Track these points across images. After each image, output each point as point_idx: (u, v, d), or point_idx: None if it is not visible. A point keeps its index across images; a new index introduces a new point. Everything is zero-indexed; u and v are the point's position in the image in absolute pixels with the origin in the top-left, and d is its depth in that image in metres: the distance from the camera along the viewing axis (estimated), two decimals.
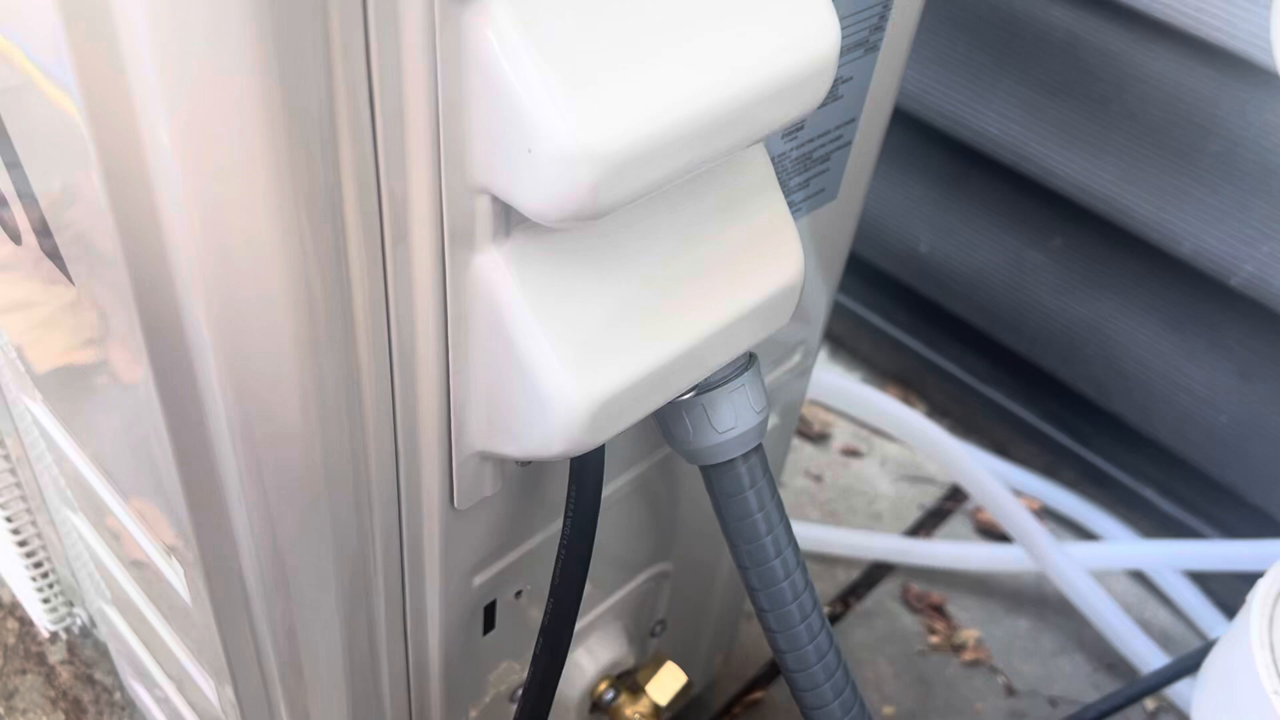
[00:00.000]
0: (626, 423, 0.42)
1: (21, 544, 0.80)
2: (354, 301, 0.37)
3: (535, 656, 0.50)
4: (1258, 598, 0.53)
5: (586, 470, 0.46)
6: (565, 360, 0.39)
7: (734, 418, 0.47)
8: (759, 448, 0.50)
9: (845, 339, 1.32)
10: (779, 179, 0.51)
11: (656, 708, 0.67)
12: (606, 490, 0.57)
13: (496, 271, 0.38)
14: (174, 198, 0.33)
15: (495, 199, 0.36)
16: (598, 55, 0.34)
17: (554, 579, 0.48)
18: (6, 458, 0.72)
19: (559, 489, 0.51)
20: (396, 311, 0.38)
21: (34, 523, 0.78)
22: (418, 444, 0.43)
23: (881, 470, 1.20)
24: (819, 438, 1.22)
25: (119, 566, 0.66)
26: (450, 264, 0.38)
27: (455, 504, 0.46)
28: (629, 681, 0.69)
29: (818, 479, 1.18)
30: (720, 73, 0.36)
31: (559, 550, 0.48)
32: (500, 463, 0.47)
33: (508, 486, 0.49)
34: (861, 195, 0.59)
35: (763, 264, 0.45)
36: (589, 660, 0.67)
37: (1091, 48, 0.92)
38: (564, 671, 0.66)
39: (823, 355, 1.31)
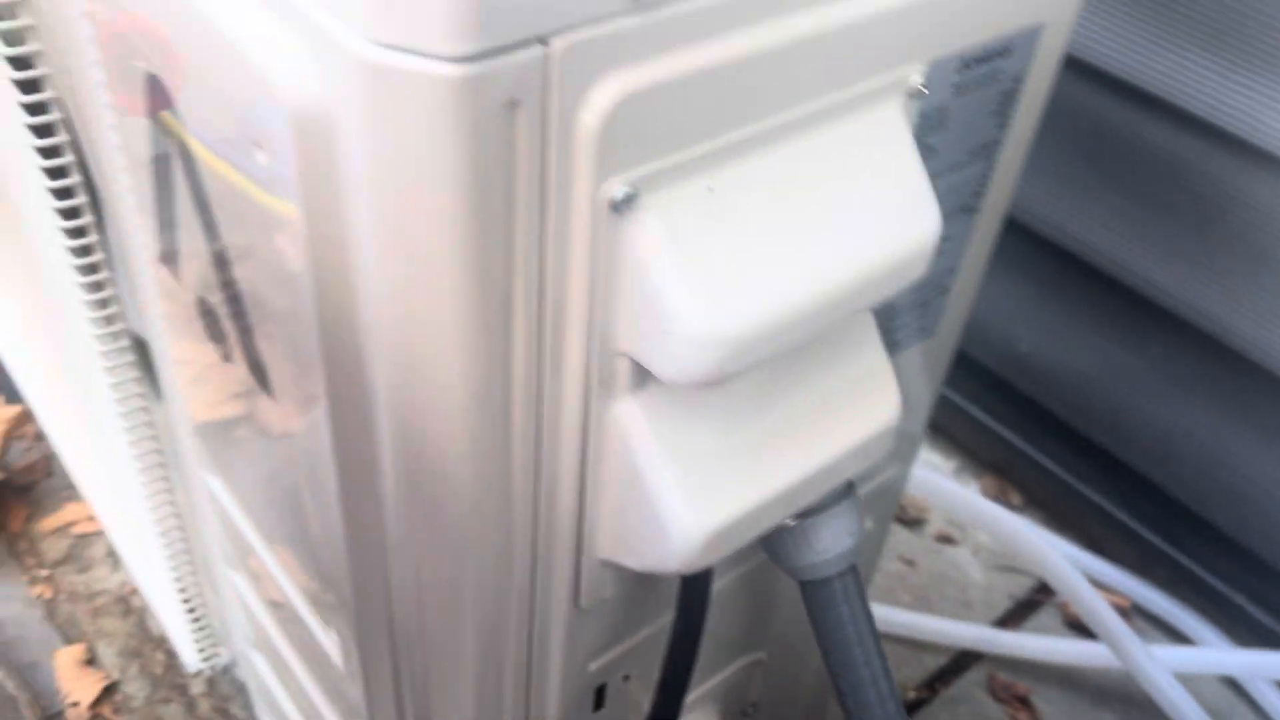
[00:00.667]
0: (735, 547, 0.48)
1: (180, 591, 0.89)
2: (513, 429, 0.43)
3: None
4: None
5: (696, 581, 0.52)
6: (685, 495, 0.45)
7: (831, 541, 0.53)
8: (854, 569, 0.55)
9: (945, 426, 1.36)
10: (881, 323, 0.57)
11: None
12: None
13: (631, 417, 0.45)
14: (380, 345, 0.40)
15: (634, 361, 0.43)
16: (728, 257, 0.40)
17: (662, 673, 0.54)
18: (178, 519, 0.81)
19: (669, 588, 0.57)
20: (549, 439, 0.45)
21: (194, 573, 0.87)
22: (554, 549, 0.50)
23: (974, 558, 1.23)
24: (914, 523, 1.26)
25: (271, 620, 0.74)
26: (594, 407, 0.44)
27: (580, 603, 0.53)
28: None
29: (911, 564, 1.22)
30: (830, 269, 0.42)
31: (667, 648, 0.54)
32: (619, 569, 0.53)
33: (624, 587, 0.55)
34: (959, 329, 0.65)
35: (861, 409, 0.51)
36: None
37: (1195, 169, 0.96)
38: None
39: (922, 443, 1.35)
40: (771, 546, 0.54)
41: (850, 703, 0.57)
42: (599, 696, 0.63)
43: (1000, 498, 1.28)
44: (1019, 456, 1.26)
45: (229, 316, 0.49)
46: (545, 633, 0.54)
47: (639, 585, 0.56)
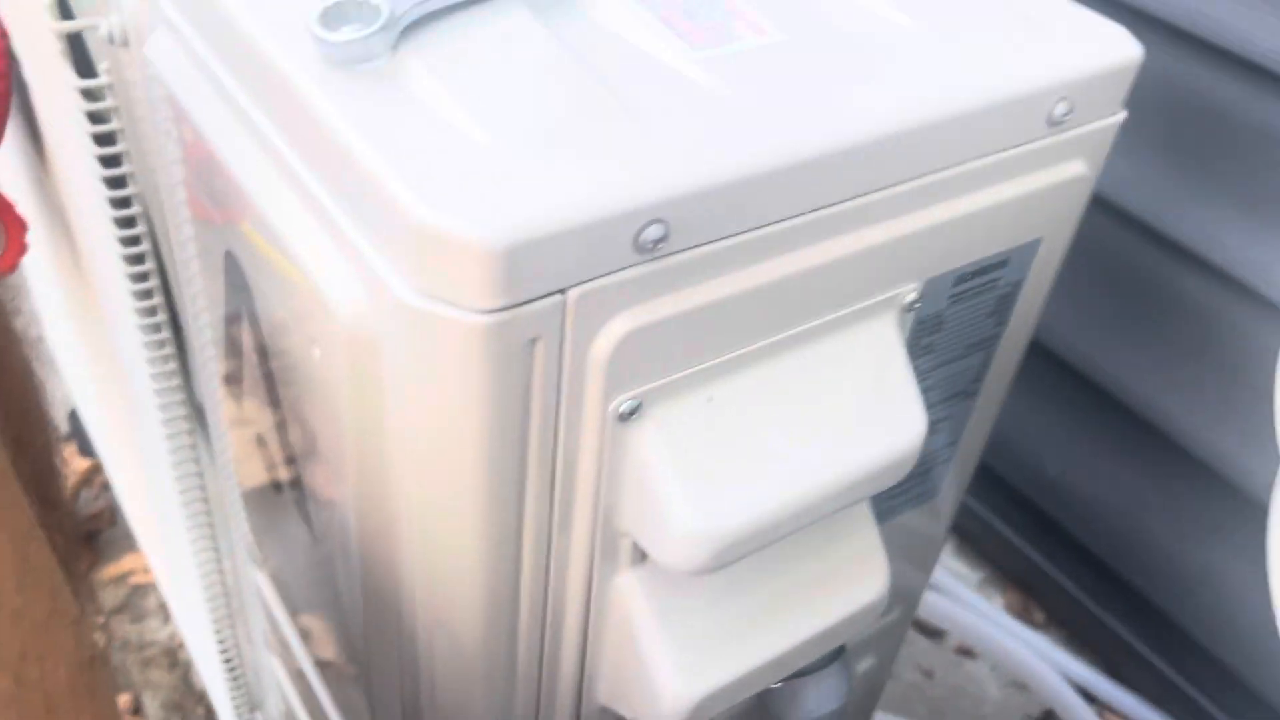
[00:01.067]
0: (723, 709, 0.52)
1: (222, 650, 0.94)
2: (521, 594, 0.48)
3: None
4: None
5: None
6: (676, 663, 0.50)
7: (816, 703, 0.57)
8: None
9: (973, 537, 1.38)
10: (877, 499, 0.61)
11: None
12: None
13: (630, 589, 0.49)
14: (409, 519, 0.45)
15: (634, 541, 0.48)
16: (723, 461, 0.45)
17: None
18: (224, 582, 0.87)
19: None
20: (555, 602, 0.49)
21: (234, 633, 0.93)
22: (556, 696, 0.54)
23: (992, 674, 1.25)
24: (934, 633, 1.28)
25: (297, 697, 0.79)
26: (597, 578, 0.49)
27: None
28: None
29: (929, 675, 1.24)
30: (819, 472, 0.46)
31: None
32: (617, 715, 0.57)
33: None
34: (958, 494, 0.68)
35: (850, 584, 0.55)
36: None
37: (1222, 319, 0.98)
38: None
39: (948, 550, 1.38)
40: (762, 700, 0.58)
41: None
42: None
43: (1023, 614, 1.30)
44: (1043, 575, 1.28)
45: (283, 459, 0.54)
46: None
47: None
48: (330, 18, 0.42)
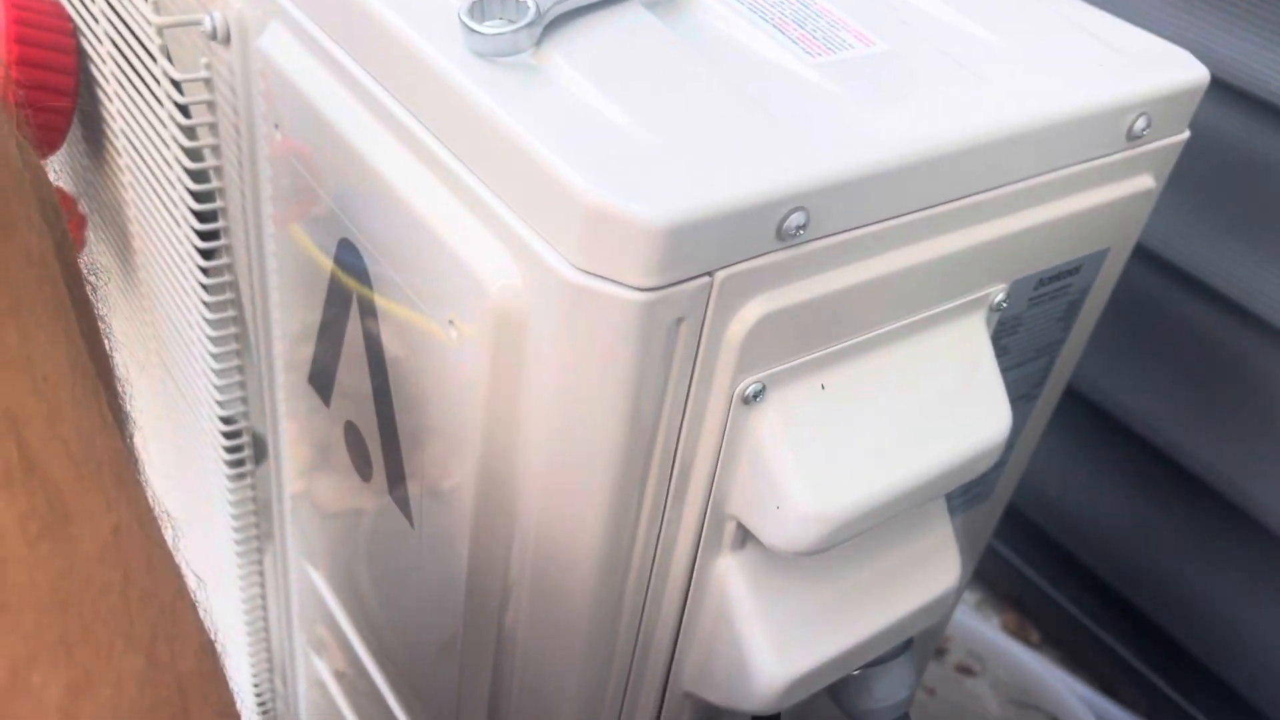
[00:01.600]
0: (809, 693, 0.54)
1: (255, 681, 0.94)
2: (630, 574, 0.49)
3: None
4: None
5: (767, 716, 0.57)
6: (771, 645, 0.51)
7: (888, 691, 0.59)
8: (906, 716, 0.61)
9: None
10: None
11: None
12: None
13: (730, 571, 0.51)
14: (531, 500, 0.47)
15: (740, 524, 0.49)
16: (835, 446, 0.47)
17: None
18: (264, 607, 0.87)
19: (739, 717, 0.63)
20: (657, 583, 0.51)
21: (269, 660, 0.93)
22: (644, 678, 0.55)
23: (992, 691, 1.27)
24: (937, 652, 1.30)
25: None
26: (700, 560, 0.50)
27: None
28: None
29: (931, 692, 1.26)
30: (920, 460, 0.49)
31: None
32: (698, 700, 0.59)
33: (697, 715, 0.61)
34: (1009, 493, 0.71)
35: (928, 573, 0.57)
36: None
37: (1226, 347, 1.03)
38: None
39: None
40: (835, 689, 0.60)
41: None
42: None
43: (1019, 634, 1.33)
44: (1040, 595, 1.31)
45: (380, 448, 0.56)
46: None
47: (713, 712, 0.62)
48: (477, 11, 0.44)
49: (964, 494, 0.65)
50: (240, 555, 0.83)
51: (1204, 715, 1.17)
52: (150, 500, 0.40)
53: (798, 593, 0.53)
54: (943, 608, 0.58)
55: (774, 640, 0.51)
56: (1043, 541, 1.30)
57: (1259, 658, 1.10)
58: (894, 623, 0.55)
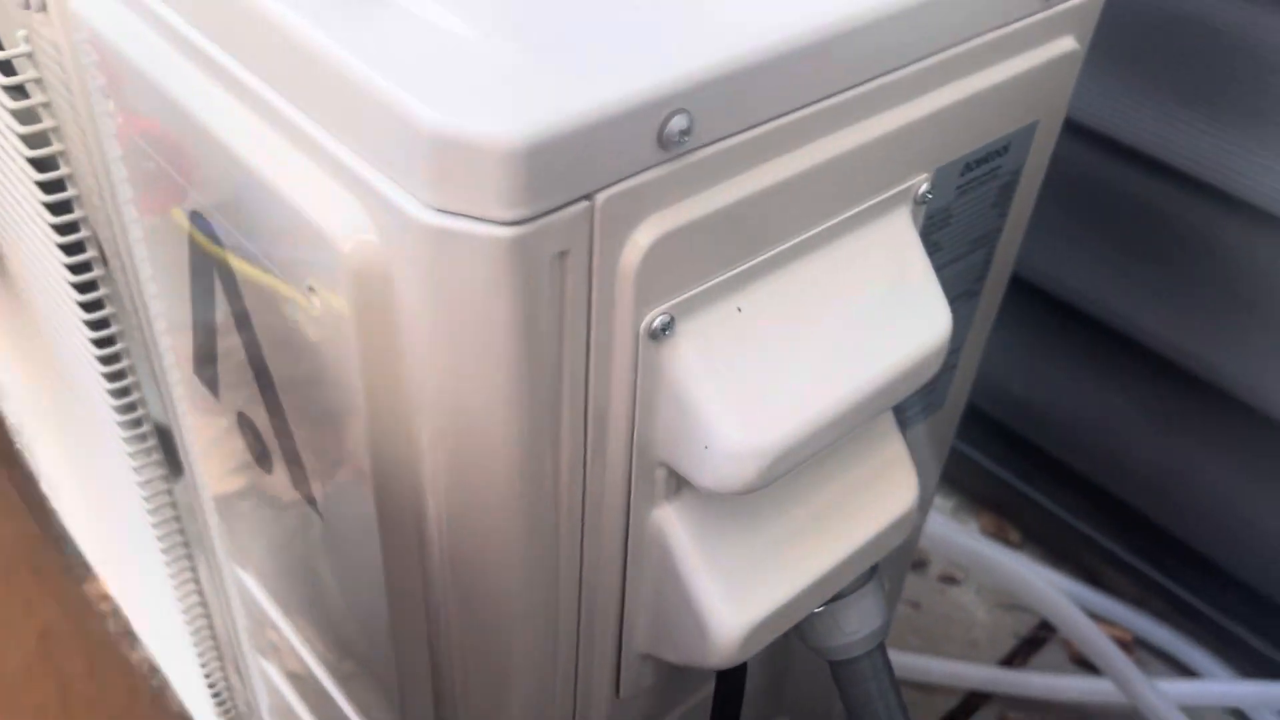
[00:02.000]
0: (771, 639, 0.50)
1: (206, 676, 0.90)
2: (559, 535, 0.45)
3: None
4: None
5: (732, 673, 0.54)
6: (722, 594, 0.47)
7: (859, 623, 0.55)
8: (881, 645, 0.57)
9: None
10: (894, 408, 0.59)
11: None
12: None
13: (668, 521, 0.47)
14: (435, 467, 0.42)
15: (671, 469, 0.45)
16: (760, 373, 0.42)
17: None
18: (203, 604, 0.82)
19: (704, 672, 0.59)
20: (591, 543, 0.47)
21: (218, 656, 0.88)
22: (595, 645, 0.51)
23: (978, 598, 1.25)
24: (917, 564, 1.28)
25: (301, 704, 0.75)
26: (634, 512, 0.46)
27: (620, 694, 0.54)
28: None
29: (916, 606, 1.24)
30: (855, 376, 0.44)
31: None
32: (659, 660, 0.55)
33: (661, 676, 0.57)
34: (965, 396, 0.67)
35: (883, 496, 0.53)
36: None
37: (1175, 218, 0.99)
38: None
39: None
40: (801, 629, 0.56)
41: None
42: None
43: (998, 535, 1.30)
44: (1015, 494, 1.29)
45: (275, 437, 0.51)
46: (585, 716, 0.55)
47: (676, 671, 0.58)
48: None
49: (918, 404, 0.61)
50: (170, 565, 0.78)
51: (1189, 592, 1.15)
52: (82, 587, 0.35)
53: (744, 535, 0.48)
54: (904, 529, 0.54)
55: (725, 589, 0.47)
56: (1012, 440, 1.28)
57: (1237, 529, 1.08)
58: (853, 553, 0.51)
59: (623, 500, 0.45)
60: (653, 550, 0.47)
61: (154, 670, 1.13)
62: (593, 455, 0.43)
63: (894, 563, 0.76)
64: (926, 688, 1.15)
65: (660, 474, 0.45)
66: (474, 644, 0.49)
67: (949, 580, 1.27)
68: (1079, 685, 1.11)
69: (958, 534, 1.16)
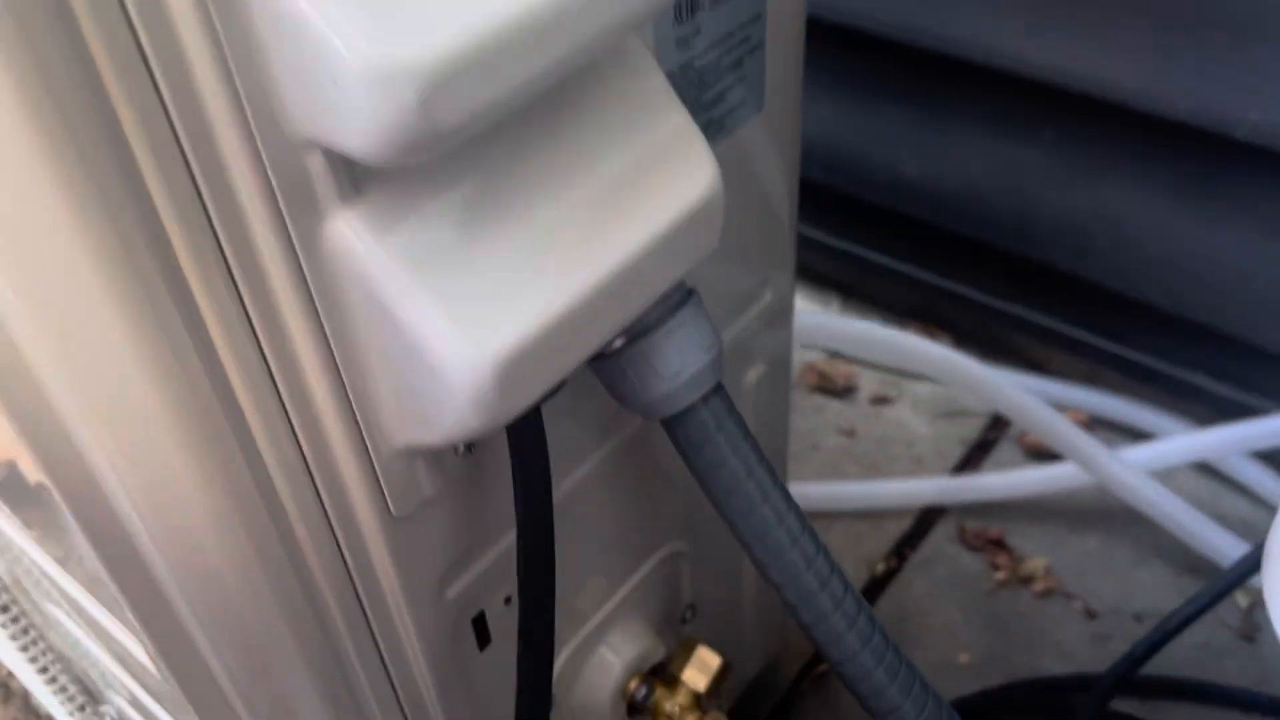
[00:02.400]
0: (548, 382, 0.38)
1: (31, 661, 0.77)
2: (200, 305, 0.33)
3: (519, 657, 0.45)
4: None
5: (526, 447, 0.41)
6: (454, 321, 0.35)
7: (680, 360, 0.43)
8: (719, 389, 0.45)
9: (854, 286, 1.26)
10: (688, 94, 0.47)
11: (696, 696, 0.62)
12: (579, 470, 0.53)
13: (352, 236, 0.34)
14: None
15: (328, 153, 0.32)
16: None
17: (518, 570, 0.43)
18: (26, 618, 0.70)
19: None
20: (253, 301, 0.34)
21: (41, 638, 0.75)
22: (328, 449, 0.39)
23: (915, 412, 1.14)
24: (845, 392, 1.17)
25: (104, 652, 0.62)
26: (297, 235, 0.33)
27: (393, 511, 0.42)
28: (663, 675, 0.65)
29: (850, 434, 1.12)
30: None
31: (517, 539, 0.43)
32: (436, 460, 0.42)
33: (453, 485, 0.44)
34: (795, 101, 0.54)
35: (669, 182, 0.40)
36: (613, 657, 0.62)
37: None
38: (589, 675, 0.61)
39: (836, 306, 1.26)
40: (614, 386, 0.44)
41: (759, 551, 0.47)
42: (480, 629, 0.52)
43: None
44: (938, 294, 1.17)
45: None
46: (364, 562, 0.43)
47: (472, 478, 0.45)
48: None
49: (719, 101, 0.49)
50: None
51: (1143, 352, 1.04)
52: None
53: (473, 241, 0.36)
54: (706, 226, 0.41)
55: (455, 314, 0.35)
56: (919, 233, 1.16)
57: (1174, 266, 0.97)
58: (636, 255, 0.39)
59: (269, 204, 0.32)
60: (344, 280, 0.35)
61: (11, 675, 1.00)
62: (193, 150, 0.30)
63: (771, 333, 0.64)
64: (874, 515, 1.04)
65: (315, 161, 0.32)
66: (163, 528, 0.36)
67: (882, 401, 1.15)
68: (1038, 476, 1.00)
69: (890, 334, 1.04)
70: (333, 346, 0.36)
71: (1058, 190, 1.01)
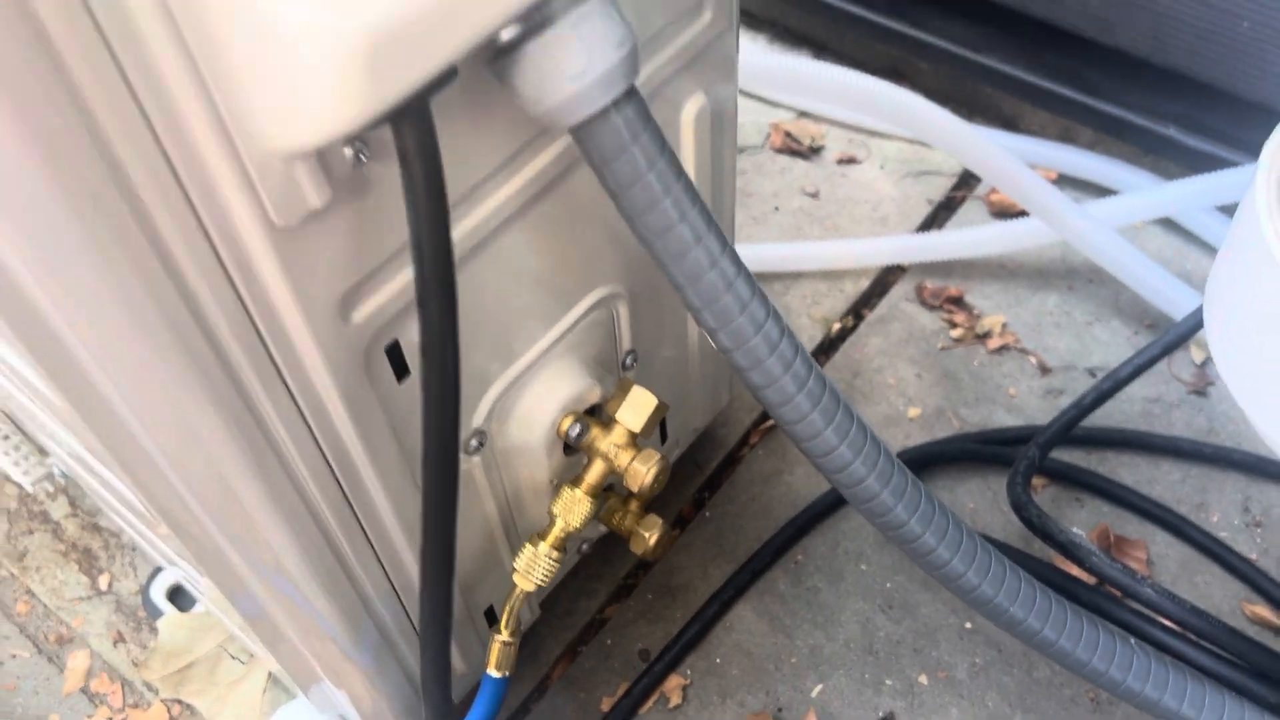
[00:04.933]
0: (426, 67, 0.34)
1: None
2: None
3: (423, 383, 0.43)
4: (1265, 154, 0.44)
5: (412, 149, 0.38)
6: None
7: (585, 57, 0.39)
8: (633, 95, 0.41)
9: (826, 40, 1.20)
10: None
11: (631, 435, 0.61)
12: (494, 197, 0.50)
13: None
14: None
15: None
16: None
17: (416, 290, 0.41)
18: None
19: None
20: None
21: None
22: (195, 151, 0.36)
23: (882, 172, 1.10)
24: (811, 152, 1.13)
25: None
26: None
27: (276, 221, 0.39)
28: (600, 416, 0.64)
29: (814, 195, 1.09)
30: None
31: (412, 254, 0.40)
32: (322, 167, 0.39)
33: (347, 198, 0.42)
34: None
35: None
36: (547, 395, 0.61)
37: None
38: (522, 413, 0.60)
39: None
40: (517, 89, 0.40)
41: (675, 273, 0.44)
42: (396, 360, 0.50)
43: None
44: (911, 46, 1.11)
45: None
46: (253, 278, 0.40)
47: (366, 192, 0.42)
48: None
49: None
50: None
51: (1117, 105, 1.00)
52: None
53: None
54: None
55: None
56: None
57: (1149, 7, 0.91)
58: None
59: None
60: None
61: None
62: None
63: (713, 54, 0.60)
64: (833, 275, 1.02)
65: None
66: None
67: (849, 161, 1.11)
68: (998, 232, 0.98)
69: (863, 80, 0.98)
70: (185, 36, 0.33)
71: None
